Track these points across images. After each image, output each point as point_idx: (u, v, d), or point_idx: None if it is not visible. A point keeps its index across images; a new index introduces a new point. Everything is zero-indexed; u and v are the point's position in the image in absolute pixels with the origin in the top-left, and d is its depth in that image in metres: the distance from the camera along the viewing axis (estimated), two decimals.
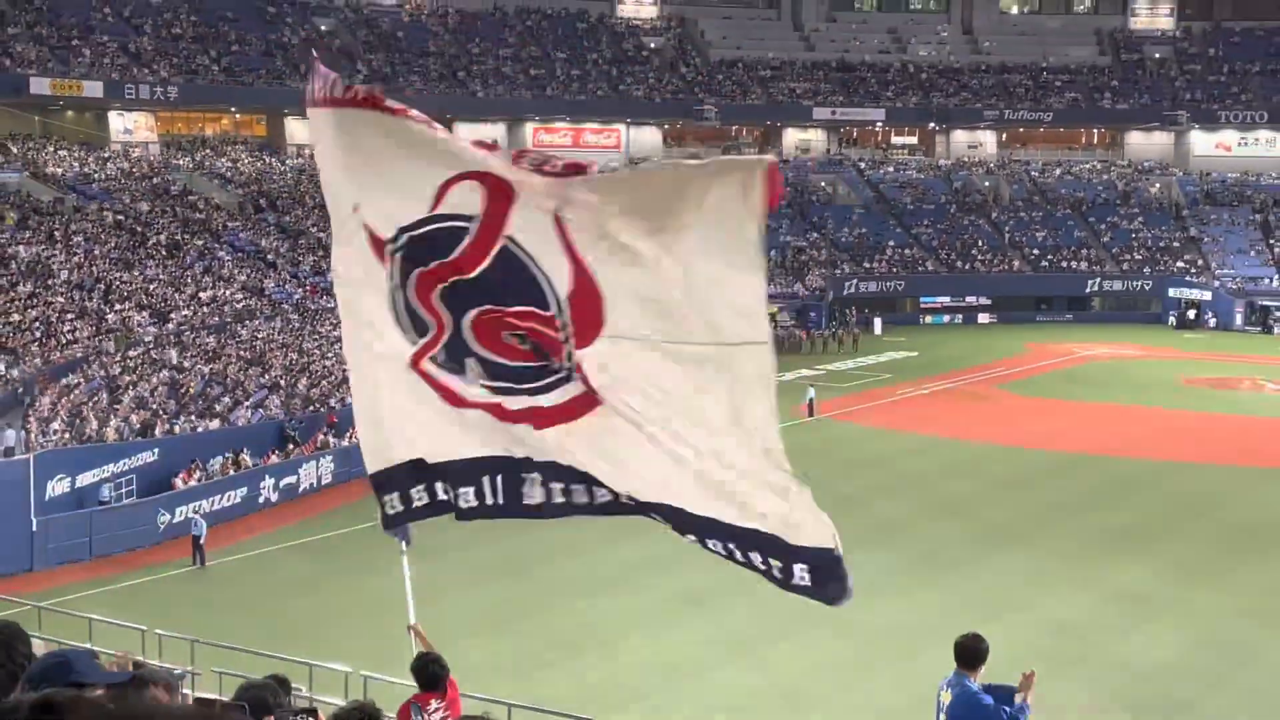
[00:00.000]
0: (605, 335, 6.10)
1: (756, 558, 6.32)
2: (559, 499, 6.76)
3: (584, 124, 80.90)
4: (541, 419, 6.55)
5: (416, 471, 7.17)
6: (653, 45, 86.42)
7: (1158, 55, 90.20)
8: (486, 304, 6.46)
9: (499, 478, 6.87)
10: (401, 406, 7.06)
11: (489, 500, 6.95)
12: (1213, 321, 73.48)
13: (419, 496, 7.21)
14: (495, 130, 78.43)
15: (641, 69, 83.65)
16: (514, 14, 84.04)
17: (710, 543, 6.37)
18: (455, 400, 6.82)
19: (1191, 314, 74.70)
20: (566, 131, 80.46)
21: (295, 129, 71.64)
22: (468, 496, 7.02)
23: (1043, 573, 28.11)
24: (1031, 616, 24.75)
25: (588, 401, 6.33)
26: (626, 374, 6.15)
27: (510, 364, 6.57)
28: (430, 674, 8.28)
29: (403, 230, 6.60)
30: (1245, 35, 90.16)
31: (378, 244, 6.77)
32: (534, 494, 6.78)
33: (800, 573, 6.34)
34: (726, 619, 24.42)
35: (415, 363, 6.84)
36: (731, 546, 6.33)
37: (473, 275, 6.39)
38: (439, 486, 7.14)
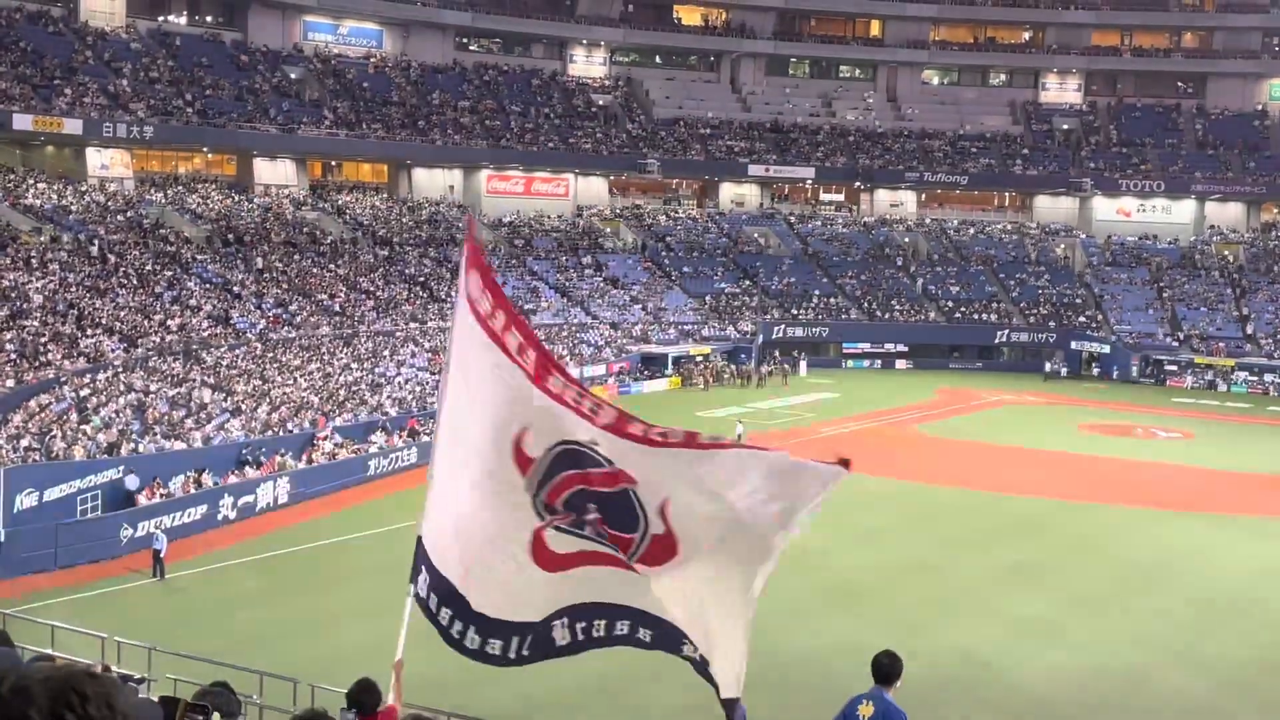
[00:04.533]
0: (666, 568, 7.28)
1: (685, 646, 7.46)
2: (581, 636, 7.49)
3: (535, 173, 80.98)
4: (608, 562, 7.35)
5: (452, 598, 7.60)
6: (601, 102, 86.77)
7: (1065, 127, 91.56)
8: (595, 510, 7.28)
9: (529, 637, 7.38)
10: (477, 547, 7.57)
11: (512, 655, 7.46)
12: (1114, 373, 74.45)
13: (443, 615, 7.61)
14: (452, 176, 78.47)
15: (590, 124, 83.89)
16: (472, 69, 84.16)
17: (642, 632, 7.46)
18: (551, 561, 7.36)
19: (1096, 368, 75.80)
20: (519, 180, 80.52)
21: (262, 169, 71.32)
22: (494, 646, 7.44)
23: (949, 602, 28.28)
24: (938, 643, 24.87)
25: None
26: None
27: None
28: (358, 702, 8.08)
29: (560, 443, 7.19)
30: (1145, 111, 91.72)
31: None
32: (563, 637, 7.31)
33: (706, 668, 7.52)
34: None
35: (539, 531, 7.39)
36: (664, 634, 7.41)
37: (596, 489, 7.21)
38: (469, 628, 7.57)
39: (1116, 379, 73.69)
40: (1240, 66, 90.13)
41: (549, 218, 79.65)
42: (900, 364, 76.72)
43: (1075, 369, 75.87)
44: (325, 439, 40.58)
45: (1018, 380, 71.58)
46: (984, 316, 78.72)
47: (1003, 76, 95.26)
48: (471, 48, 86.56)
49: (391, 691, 8.06)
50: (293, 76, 75.46)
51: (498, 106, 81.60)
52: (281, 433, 40.22)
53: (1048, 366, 75.56)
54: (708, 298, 75.61)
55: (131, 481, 32.90)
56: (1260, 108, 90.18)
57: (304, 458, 39.23)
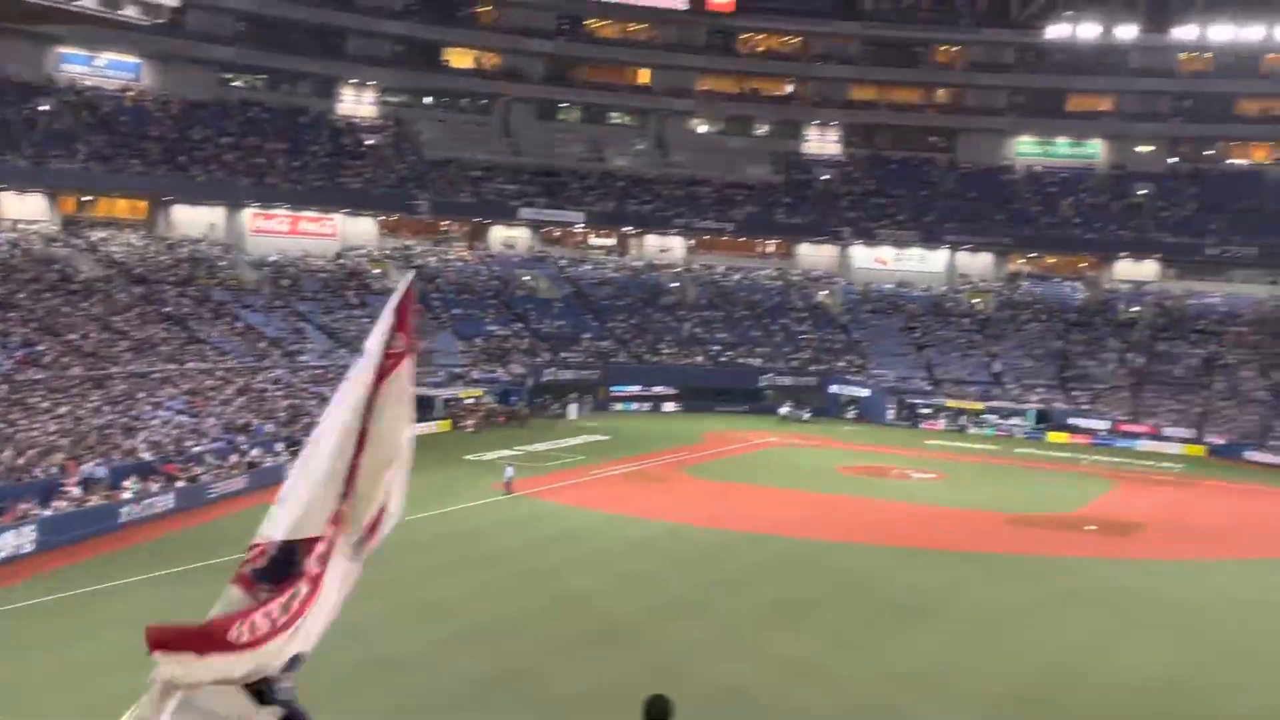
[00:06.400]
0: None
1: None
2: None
3: (302, 212, 79.47)
4: None
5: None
6: (371, 142, 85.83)
7: (826, 177, 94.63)
8: None
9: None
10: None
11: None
12: (871, 415, 77.00)
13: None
14: (214, 214, 76.32)
15: (359, 163, 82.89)
16: (237, 105, 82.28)
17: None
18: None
19: (852, 411, 78.17)
20: (284, 219, 78.90)
21: (11, 204, 68.09)
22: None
23: (715, 641, 28.66)
24: (704, 683, 25.12)
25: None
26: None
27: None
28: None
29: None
30: (901, 164, 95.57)
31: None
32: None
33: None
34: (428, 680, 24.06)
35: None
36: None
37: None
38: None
39: (871, 421, 76.27)
40: (988, 123, 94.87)
41: (316, 258, 78.22)
42: (668, 407, 77.75)
43: (826, 412, 77.87)
44: (74, 484, 38.83)
45: (782, 423, 73.43)
46: (748, 361, 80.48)
47: (766, 128, 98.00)
48: (236, 83, 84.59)
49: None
50: (45, 109, 72.42)
51: (263, 144, 79.91)
52: (26, 478, 38.33)
53: (784, 409, 76.49)
54: (478, 340, 75.36)
55: None
56: (1007, 163, 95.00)
57: (51, 505, 37.45)
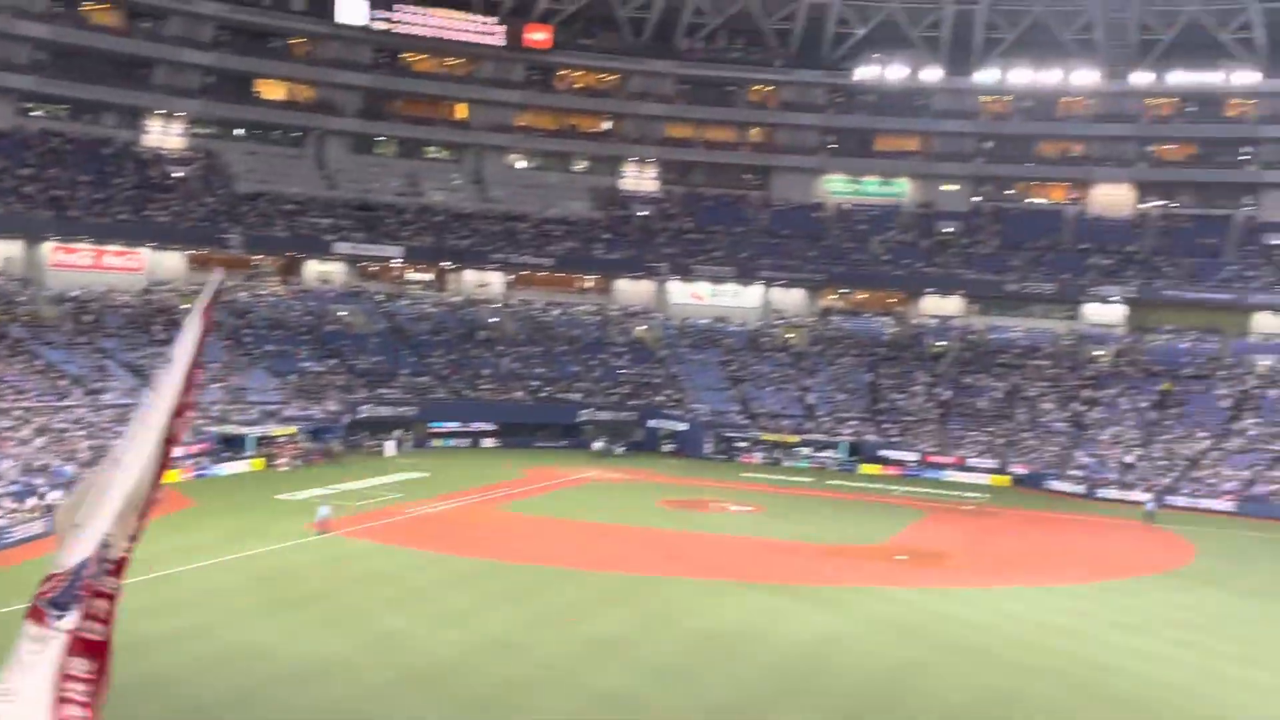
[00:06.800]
0: None
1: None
2: None
3: (107, 245, 76.96)
4: None
5: None
6: (179, 174, 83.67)
7: (643, 213, 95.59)
8: None
9: None
10: None
11: None
12: (689, 449, 77.74)
13: None
14: (12, 247, 73.45)
15: (167, 196, 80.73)
16: (36, 135, 79.45)
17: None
18: None
19: (668, 445, 78.82)
20: (88, 253, 76.31)
21: None
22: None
23: (534, 679, 28.50)
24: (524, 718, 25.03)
25: None
26: None
27: None
28: None
29: None
30: (717, 201, 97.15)
31: None
32: None
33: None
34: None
35: None
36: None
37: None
38: None
39: (690, 455, 77.03)
40: (800, 161, 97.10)
41: (121, 292, 75.81)
42: (488, 443, 77.34)
43: (644, 446, 78.35)
44: None
45: (597, 458, 73.65)
46: (568, 396, 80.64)
47: (585, 163, 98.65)
48: (36, 113, 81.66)
49: None
50: None
51: (65, 175, 77.30)
52: None
53: (597, 445, 76.69)
54: (292, 376, 73.93)
55: None
56: (818, 201, 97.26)
57: None
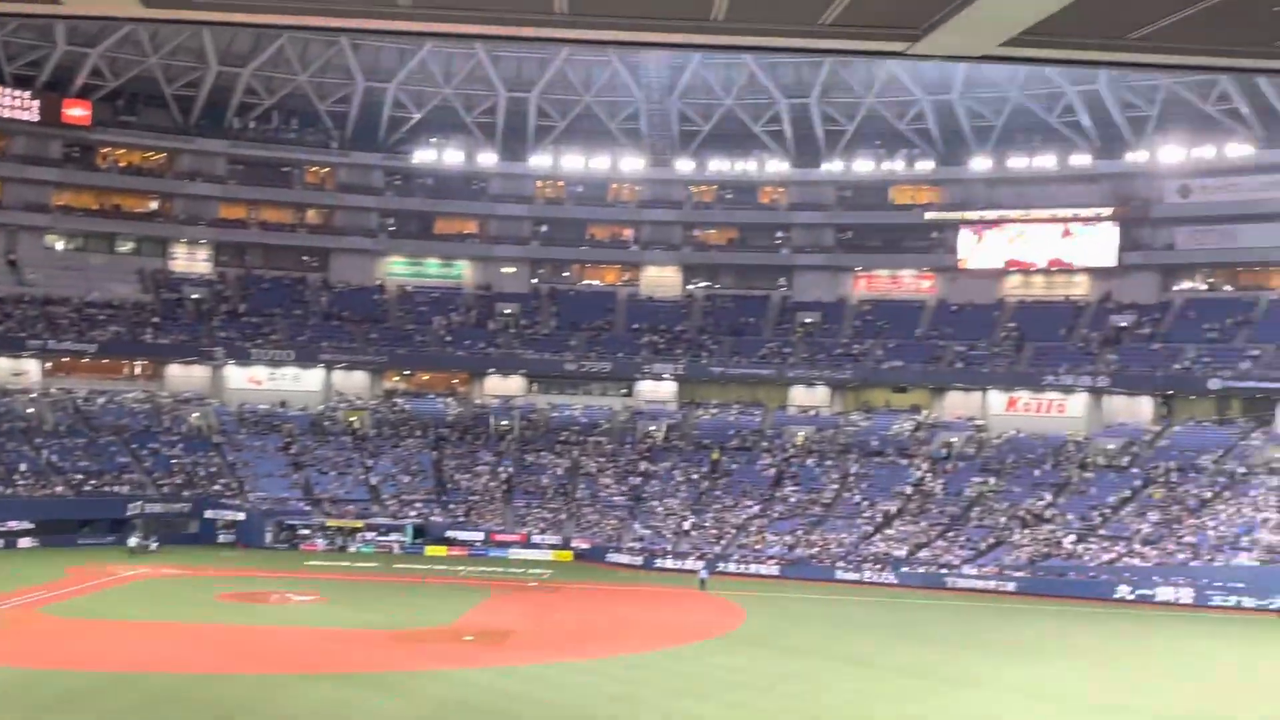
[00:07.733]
0: None
1: None
2: None
3: None
4: None
5: None
6: None
7: (196, 296, 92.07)
8: None
9: None
10: None
11: None
12: (250, 540, 74.99)
13: None
14: None
15: None
16: None
17: None
18: None
19: (227, 535, 75.84)
20: None
21: None
22: None
23: None
24: None
25: None
26: None
27: None
28: None
29: None
30: (274, 283, 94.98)
31: None
32: None
33: None
34: None
35: None
36: None
37: None
38: None
39: (251, 545, 74.35)
40: (360, 243, 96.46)
41: None
42: (25, 542, 71.60)
43: (200, 538, 75.10)
44: None
45: (133, 556, 68.41)
46: (115, 489, 76.20)
47: (131, 244, 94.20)
48: None
49: None
50: None
51: None
52: None
53: (132, 541, 70.49)
54: None
55: None
56: (379, 283, 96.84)
57: None
